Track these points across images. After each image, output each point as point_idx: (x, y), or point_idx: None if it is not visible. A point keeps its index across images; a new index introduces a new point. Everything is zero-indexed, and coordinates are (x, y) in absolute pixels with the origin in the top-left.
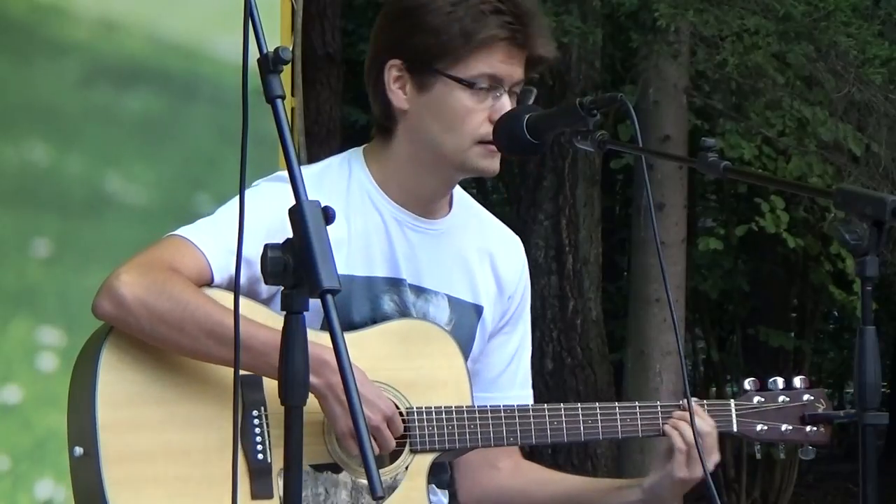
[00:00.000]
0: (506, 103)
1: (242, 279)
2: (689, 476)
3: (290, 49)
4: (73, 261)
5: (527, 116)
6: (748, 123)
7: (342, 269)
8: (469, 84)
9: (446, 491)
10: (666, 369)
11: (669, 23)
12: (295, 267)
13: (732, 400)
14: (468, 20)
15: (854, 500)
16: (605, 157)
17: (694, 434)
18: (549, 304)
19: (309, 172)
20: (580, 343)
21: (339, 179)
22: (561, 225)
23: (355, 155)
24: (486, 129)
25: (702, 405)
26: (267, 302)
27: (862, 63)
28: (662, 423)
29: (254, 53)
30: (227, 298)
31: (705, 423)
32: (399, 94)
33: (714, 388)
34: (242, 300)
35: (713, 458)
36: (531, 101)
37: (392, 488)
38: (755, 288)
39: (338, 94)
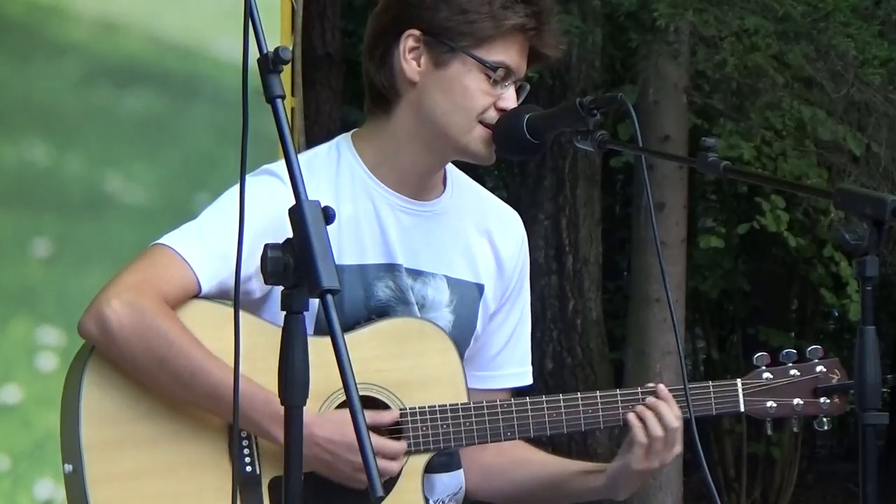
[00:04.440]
0: (512, 95)
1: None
2: (647, 468)
3: (290, 49)
4: (73, 261)
5: (527, 116)
6: (748, 123)
7: None
8: (491, 68)
9: (461, 469)
10: (666, 369)
11: (669, 23)
12: (295, 267)
13: (739, 379)
14: (498, 5)
15: (854, 500)
16: (605, 156)
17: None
18: (549, 304)
19: None
20: (580, 343)
21: (328, 167)
22: (561, 225)
23: (344, 141)
24: (493, 115)
25: (706, 387)
26: (262, 301)
27: (861, 63)
28: (623, 412)
29: (254, 53)
30: (215, 310)
31: (674, 418)
32: (412, 64)
33: None
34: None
35: (674, 450)
36: (523, 98)
37: (387, 489)
38: (755, 288)
39: (338, 94)
